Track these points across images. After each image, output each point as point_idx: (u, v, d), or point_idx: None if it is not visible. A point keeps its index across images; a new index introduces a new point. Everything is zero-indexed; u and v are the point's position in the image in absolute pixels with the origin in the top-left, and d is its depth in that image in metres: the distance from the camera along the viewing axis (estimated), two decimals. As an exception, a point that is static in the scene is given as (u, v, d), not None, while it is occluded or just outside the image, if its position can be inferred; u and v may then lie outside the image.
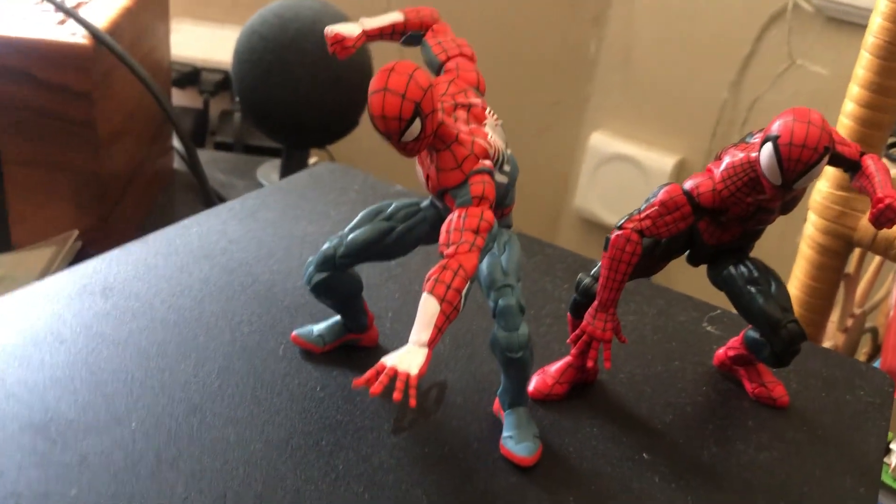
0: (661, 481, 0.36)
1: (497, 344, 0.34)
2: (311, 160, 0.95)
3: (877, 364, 0.65)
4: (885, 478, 0.58)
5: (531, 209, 1.20)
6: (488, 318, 0.44)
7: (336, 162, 1.05)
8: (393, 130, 0.30)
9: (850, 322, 0.71)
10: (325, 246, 0.37)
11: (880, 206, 0.34)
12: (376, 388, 0.28)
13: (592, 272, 0.39)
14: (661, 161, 1.11)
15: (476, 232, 0.31)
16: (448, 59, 0.35)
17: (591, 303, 0.38)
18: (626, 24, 1.08)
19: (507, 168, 0.35)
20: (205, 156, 0.96)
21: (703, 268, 0.41)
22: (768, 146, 0.32)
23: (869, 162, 0.36)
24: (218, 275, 0.46)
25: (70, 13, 0.60)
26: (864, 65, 0.50)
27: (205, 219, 0.51)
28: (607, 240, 0.37)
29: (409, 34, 0.36)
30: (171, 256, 0.47)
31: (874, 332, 0.82)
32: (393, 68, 0.30)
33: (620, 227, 0.36)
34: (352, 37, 0.35)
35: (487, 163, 0.32)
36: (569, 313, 0.40)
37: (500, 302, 0.34)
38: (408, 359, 0.29)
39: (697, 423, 0.41)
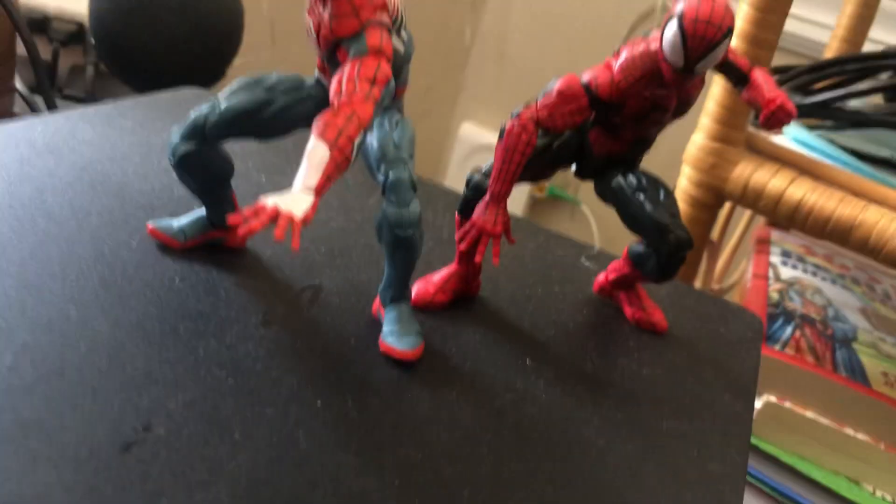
0: (545, 385, 0.35)
1: (385, 221, 0.31)
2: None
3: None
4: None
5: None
6: (368, 230, 0.41)
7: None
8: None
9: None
10: (194, 114, 0.33)
11: (771, 106, 0.34)
12: (255, 223, 0.25)
13: (483, 169, 0.37)
14: (529, 155, 1.12)
15: (372, 82, 0.28)
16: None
17: (481, 199, 0.36)
18: (502, 14, 1.09)
19: (404, 35, 0.32)
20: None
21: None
22: (672, 23, 0.31)
23: (758, 73, 0.36)
24: (65, 170, 0.41)
25: None
26: (743, 16, 0.51)
27: (51, 119, 0.46)
28: (502, 129, 0.35)
29: None
30: (10, 149, 0.41)
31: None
32: None
33: (517, 116, 0.35)
34: None
35: (386, 17, 0.30)
36: (457, 213, 0.38)
37: (391, 175, 0.31)
38: (292, 201, 0.26)
39: (580, 338, 0.39)
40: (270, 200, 0.26)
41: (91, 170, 0.41)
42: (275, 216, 0.25)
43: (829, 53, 0.80)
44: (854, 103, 0.59)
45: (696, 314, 0.45)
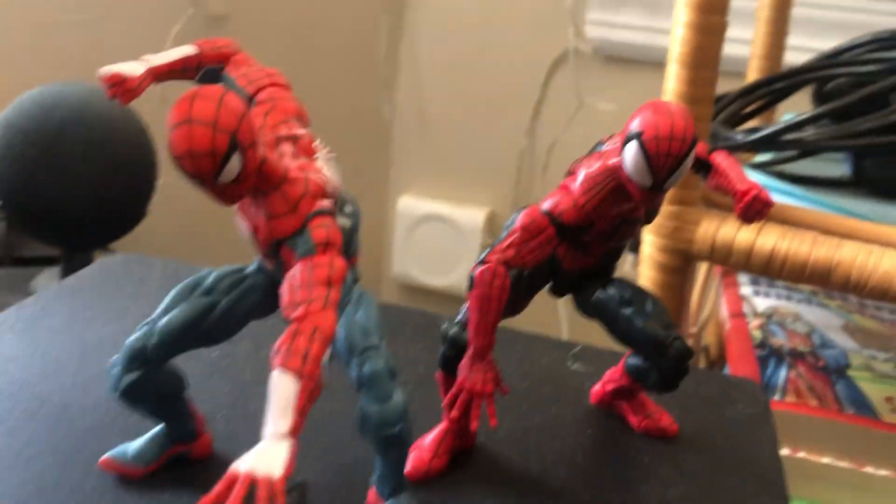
0: (574, 545, 0.31)
1: (368, 420, 0.28)
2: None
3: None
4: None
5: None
6: (346, 395, 0.38)
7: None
8: (206, 171, 0.24)
9: (689, 342, 0.71)
10: (132, 338, 0.29)
11: (746, 198, 0.31)
12: (233, 502, 0.21)
13: (457, 319, 0.34)
14: (473, 216, 1.10)
15: (328, 284, 0.25)
16: (259, 90, 0.29)
17: (463, 354, 0.33)
18: (416, 86, 1.07)
19: (348, 209, 0.29)
20: (-34, 275, 0.83)
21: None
22: (632, 145, 0.29)
23: (720, 158, 0.34)
24: (-6, 403, 0.36)
25: None
26: (675, 77, 0.50)
27: (-31, 338, 0.41)
28: (472, 278, 0.32)
29: (206, 70, 0.30)
30: (-73, 390, 0.37)
31: (705, 350, 0.83)
32: (196, 94, 0.24)
33: (483, 261, 0.32)
34: (135, 76, 0.29)
35: (327, 202, 0.27)
36: (439, 371, 0.35)
37: (366, 368, 0.28)
38: (266, 458, 0.22)
39: (593, 471, 0.36)
40: (244, 465, 0.22)
41: (24, 395, 0.37)
42: (250, 483, 0.22)
43: (751, 73, 0.80)
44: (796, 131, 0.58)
45: (697, 398, 0.43)
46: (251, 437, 0.23)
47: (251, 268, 0.31)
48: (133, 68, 0.29)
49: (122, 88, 0.28)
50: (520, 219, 0.32)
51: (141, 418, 0.35)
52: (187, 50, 0.30)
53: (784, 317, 0.66)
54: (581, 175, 0.32)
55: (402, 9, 1.07)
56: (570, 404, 0.41)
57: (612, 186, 0.32)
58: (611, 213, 0.32)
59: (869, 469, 0.52)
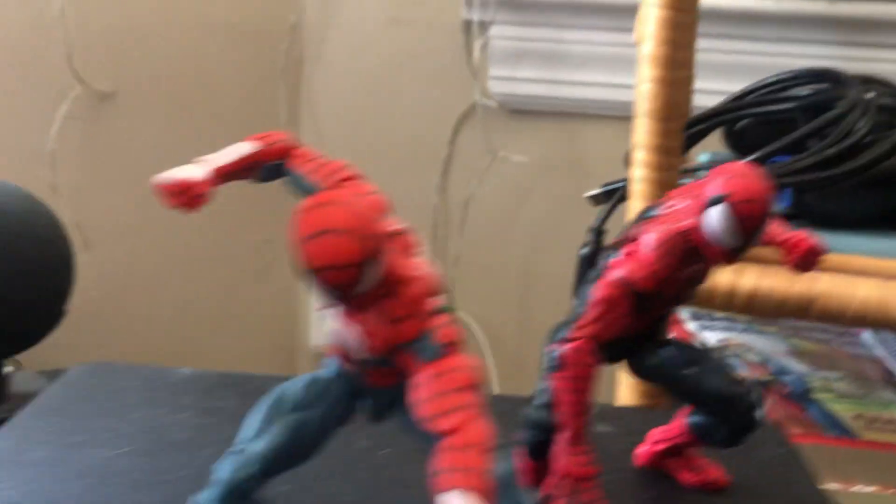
0: None
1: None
2: (6, 369, 0.76)
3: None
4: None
5: (264, 355, 1.10)
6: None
7: (28, 370, 0.86)
8: (347, 282, 0.22)
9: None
10: (225, 471, 0.26)
11: (804, 247, 0.32)
12: None
13: (536, 402, 0.33)
14: (386, 277, 1.07)
15: (471, 389, 0.23)
16: (336, 184, 0.27)
17: (550, 437, 0.32)
18: (320, 149, 1.04)
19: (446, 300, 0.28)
20: None
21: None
22: (720, 209, 0.29)
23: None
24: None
25: None
26: (645, 130, 0.51)
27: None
28: (555, 359, 0.31)
29: (267, 166, 0.28)
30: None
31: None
32: (324, 201, 0.22)
33: (569, 340, 0.31)
34: (200, 181, 0.26)
35: (441, 300, 0.25)
36: (527, 458, 0.33)
37: (497, 469, 0.26)
38: None
39: (668, 536, 0.36)
40: None
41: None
42: None
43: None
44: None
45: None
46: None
47: (329, 374, 0.28)
48: (193, 172, 0.26)
49: (189, 196, 0.26)
50: (598, 292, 0.31)
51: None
52: (245, 147, 0.28)
53: (736, 348, 0.69)
54: (650, 241, 0.32)
55: (299, 70, 1.05)
56: (611, 469, 0.40)
57: (683, 250, 0.31)
58: (680, 277, 0.32)
59: (856, 488, 0.54)
